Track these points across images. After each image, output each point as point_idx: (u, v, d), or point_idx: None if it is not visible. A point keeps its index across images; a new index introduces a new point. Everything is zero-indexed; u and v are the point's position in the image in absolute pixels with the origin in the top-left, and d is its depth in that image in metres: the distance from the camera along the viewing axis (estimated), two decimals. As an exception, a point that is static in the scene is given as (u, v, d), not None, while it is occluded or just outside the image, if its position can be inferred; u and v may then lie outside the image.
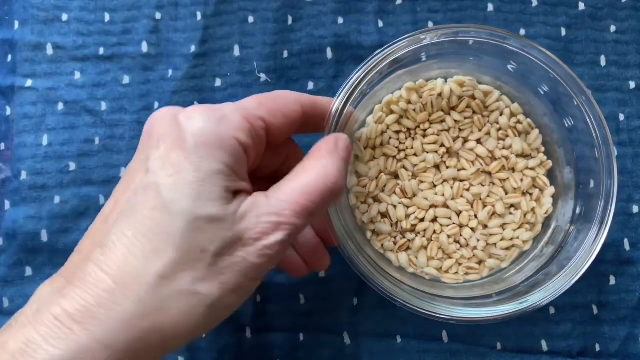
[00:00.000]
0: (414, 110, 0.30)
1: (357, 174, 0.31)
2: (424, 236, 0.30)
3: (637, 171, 0.32)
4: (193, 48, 0.33)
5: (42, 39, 0.33)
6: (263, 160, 0.25)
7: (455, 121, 0.31)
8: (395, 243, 0.30)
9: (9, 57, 0.33)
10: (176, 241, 0.20)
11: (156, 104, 0.33)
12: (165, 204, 0.20)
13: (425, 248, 0.30)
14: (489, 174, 0.31)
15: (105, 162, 0.32)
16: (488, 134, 0.31)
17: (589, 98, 0.28)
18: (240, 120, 0.22)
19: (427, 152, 0.30)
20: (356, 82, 0.27)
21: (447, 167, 0.30)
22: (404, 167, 0.30)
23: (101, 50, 0.33)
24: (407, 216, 0.30)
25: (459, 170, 0.30)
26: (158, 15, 0.33)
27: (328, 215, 0.27)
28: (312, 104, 0.26)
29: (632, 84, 0.33)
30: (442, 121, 0.31)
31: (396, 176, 0.30)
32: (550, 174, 0.31)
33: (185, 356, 0.30)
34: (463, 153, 0.30)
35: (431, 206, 0.30)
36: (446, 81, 0.31)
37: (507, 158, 0.30)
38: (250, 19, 0.33)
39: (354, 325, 0.31)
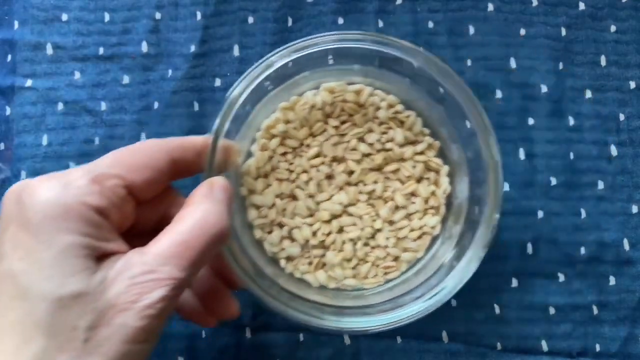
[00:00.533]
0: (294, 128, 0.30)
1: (255, 207, 0.30)
2: (334, 249, 0.30)
3: (637, 171, 0.32)
4: (193, 48, 0.33)
5: (41, 39, 0.33)
6: (139, 216, 0.24)
7: (335, 127, 0.30)
8: (310, 263, 0.30)
9: (9, 57, 0.33)
10: (43, 326, 0.19)
11: (156, 104, 0.33)
12: (23, 291, 0.19)
13: (341, 260, 0.30)
14: (380, 170, 0.30)
15: (105, 162, 0.32)
16: (371, 130, 0.30)
17: (448, 72, 0.28)
18: (87, 184, 0.21)
19: (316, 166, 0.30)
20: (223, 117, 0.26)
21: (337, 174, 0.30)
22: (298, 186, 0.30)
23: (101, 50, 0.33)
24: (314, 233, 0.30)
25: (348, 173, 0.30)
26: (158, 15, 0.33)
27: (226, 259, 0.26)
28: (182, 148, 0.24)
29: (632, 84, 0.33)
30: (324, 131, 0.30)
31: (294, 197, 0.30)
32: (441, 154, 0.31)
33: (185, 356, 0.30)
34: (348, 155, 0.30)
35: (333, 217, 0.30)
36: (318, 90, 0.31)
37: (390, 150, 0.30)
38: (250, 19, 0.33)
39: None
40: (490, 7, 0.34)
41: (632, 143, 0.33)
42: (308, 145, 0.30)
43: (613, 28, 0.34)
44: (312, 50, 0.28)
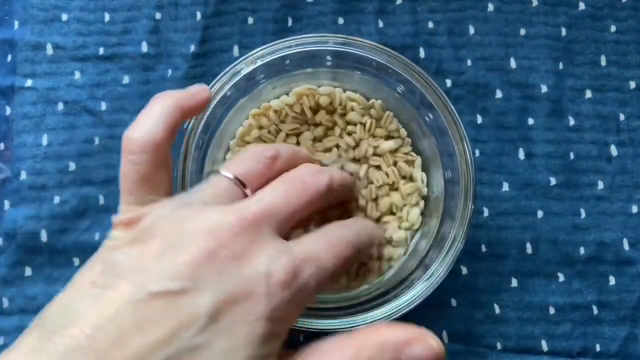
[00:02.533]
0: (269, 132, 0.30)
1: None
2: None
3: (637, 171, 0.32)
4: (193, 48, 0.33)
5: (41, 39, 0.33)
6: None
7: (311, 127, 0.30)
8: None
9: (9, 57, 0.33)
10: None
11: (156, 104, 0.33)
12: None
13: None
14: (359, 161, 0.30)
15: (105, 162, 0.32)
16: (348, 132, 0.30)
17: (407, 64, 0.28)
18: None
19: None
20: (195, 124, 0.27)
21: None
22: None
23: (101, 50, 0.33)
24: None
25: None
26: (158, 15, 0.33)
27: None
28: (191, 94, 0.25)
29: (633, 84, 0.33)
30: (299, 134, 0.30)
31: None
32: (414, 150, 0.31)
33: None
34: (323, 157, 0.30)
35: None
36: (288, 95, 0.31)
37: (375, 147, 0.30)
38: (250, 19, 0.33)
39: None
40: (490, 7, 0.34)
41: (632, 143, 0.33)
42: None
43: (613, 28, 0.34)
44: (277, 56, 0.28)
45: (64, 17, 0.33)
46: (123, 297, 0.17)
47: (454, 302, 0.31)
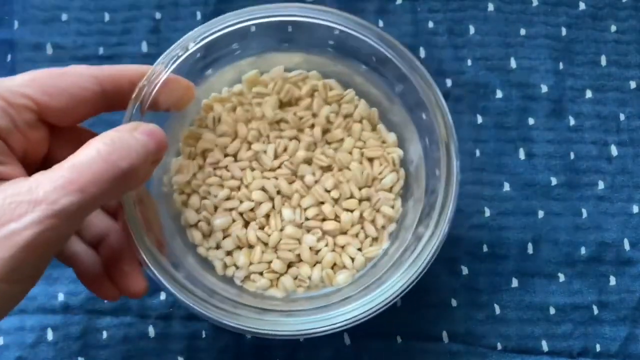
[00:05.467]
0: (220, 136, 0.28)
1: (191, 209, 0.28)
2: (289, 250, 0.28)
3: (637, 171, 0.32)
4: (193, 48, 0.33)
5: (41, 39, 0.33)
6: (53, 149, 0.22)
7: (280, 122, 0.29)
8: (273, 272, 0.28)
9: (9, 57, 0.33)
10: None
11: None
12: None
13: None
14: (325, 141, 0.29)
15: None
16: (310, 125, 0.29)
17: (372, 29, 0.26)
18: None
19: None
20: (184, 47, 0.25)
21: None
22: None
23: (101, 50, 0.33)
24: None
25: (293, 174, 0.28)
26: (158, 15, 0.33)
27: (126, 223, 0.23)
28: (116, 77, 0.22)
29: (633, 84, 0.33)
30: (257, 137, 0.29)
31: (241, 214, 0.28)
32: (384, 121, 0.30)
33: (184, 356, 0.30)
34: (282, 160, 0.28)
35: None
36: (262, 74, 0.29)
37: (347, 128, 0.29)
38: (250, 19, 0.33)
39: (354, 326, 0.31)
40: (491, 7, 0.34)
41: (633, 143, 0.33)
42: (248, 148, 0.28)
43: (613, 28, 0.34)
44: (224, 32, 0.26)
45: (64, 17, 0.33)
46: None
47: (454, 302, 0.31)
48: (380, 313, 0.31)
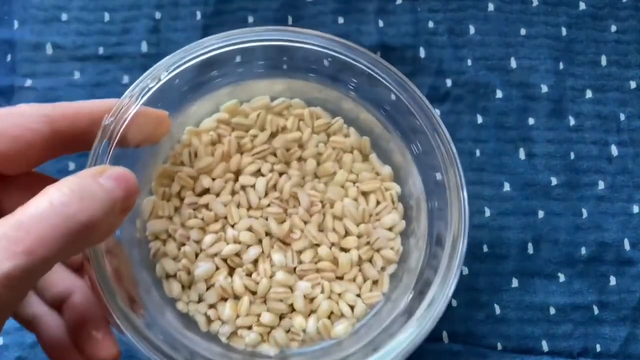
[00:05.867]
0: (194, 177, 0.26)
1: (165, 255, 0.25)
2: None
3: (638, 171, 0.32)
4: (193, 48, 0.33)
5: (41, 39, 0.33)
6: (2, 200, 0.20)
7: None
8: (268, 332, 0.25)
9: (9, 57, 0.33)
10: None
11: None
12: None
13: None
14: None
15: (105, 162, 0.32)
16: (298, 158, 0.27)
17: (360, 51, 0.24)
18: None
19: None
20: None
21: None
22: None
23: (101, 50, 0.33)
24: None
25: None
26: (158, 15, 0.33)
27: (94, 278, 0.21)
28: (72, 114, 0.20)
29: (633, 84, 0.33)
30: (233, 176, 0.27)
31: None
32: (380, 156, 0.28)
33: (185, 356, 0.30)
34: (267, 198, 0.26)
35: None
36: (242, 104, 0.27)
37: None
38: (250, 19, 0.33)
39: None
40: (491, 6, 0.34)
41: (633, 143, 0.33)
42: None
43: (613, 28, 0.34)
44: (201, 59, 0.23)
45: (64, 16, 0.33)
46: None
47: (454, 302, 0.31)
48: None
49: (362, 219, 0.26)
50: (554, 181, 0.32)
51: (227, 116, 0.27)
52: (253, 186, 0.26)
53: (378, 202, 0.27)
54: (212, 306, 0.25)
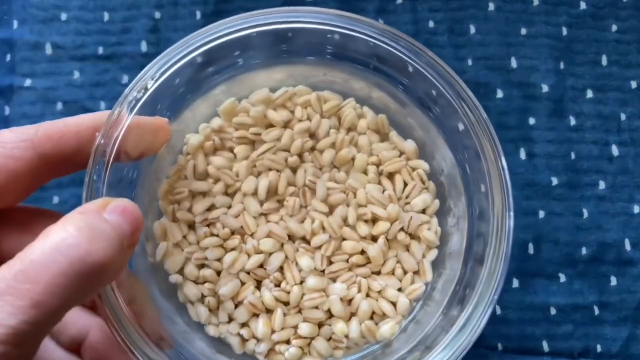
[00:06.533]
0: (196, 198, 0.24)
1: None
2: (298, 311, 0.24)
3: (638, 171, 0.32)
4: (192, 47, 0.33)
5: (41, 38, 0.33)
6: (6, 244, 0.18)
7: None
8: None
9: (8, 57, 0.33)
10: None
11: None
12: None
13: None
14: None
15: (104, 162, 0.32)
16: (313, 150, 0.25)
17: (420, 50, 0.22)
18: None
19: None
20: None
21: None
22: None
23: (100, 50, 0.33)
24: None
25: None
26: (157, 15, 0.33)
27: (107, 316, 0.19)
28: (57, 135, 0.18)
29: (634, 84, 0.33)
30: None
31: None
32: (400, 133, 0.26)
33: (184, 357, 0.30)
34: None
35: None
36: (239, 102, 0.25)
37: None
38: (250, 18, 0.33)
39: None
40: (491, 6, 0.34)
41: (634, 143, 0.33)
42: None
43: (614, 27, 0.34)
44: (186, 60, 0.22)
45: (63, 16, 0.33)
46: None
47: (454, 303, 0.31)
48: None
49: (390, 203, 0.24)
50: (555, 181, 0.32)
51: (226, 121, 0.25)
52: (258, 190, 0.24)
53: (405, 184, 0.25)
54: (244, 325, 0.24)
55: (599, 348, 0.31)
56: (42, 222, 0.17)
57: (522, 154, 0.32)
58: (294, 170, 0.24)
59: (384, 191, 0.24)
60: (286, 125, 0.25)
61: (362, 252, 0.24)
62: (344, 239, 0.24)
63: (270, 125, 0.25)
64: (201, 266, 0.24)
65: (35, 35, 0.33)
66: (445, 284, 0.23)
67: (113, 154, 0.20)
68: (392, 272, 0.24)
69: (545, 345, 0.31)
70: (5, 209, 0.18)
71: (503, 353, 0.31)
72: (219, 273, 0.24)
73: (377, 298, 0.24)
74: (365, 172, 0.25)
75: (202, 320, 0.24)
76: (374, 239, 0.24)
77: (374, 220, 0.24)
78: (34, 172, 0.18)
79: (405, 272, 0.24)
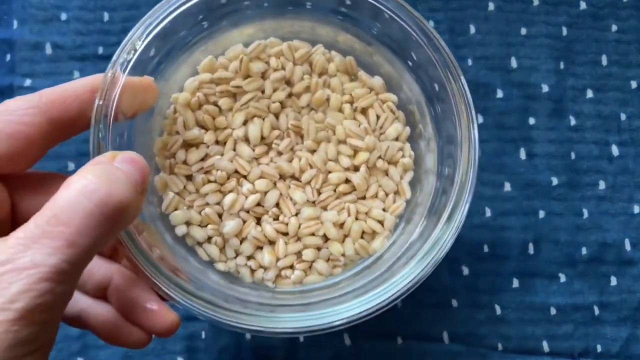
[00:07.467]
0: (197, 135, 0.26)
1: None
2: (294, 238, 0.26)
3: (638, 171, 0.32)
4: (192, 47, 0.33)
5: (41, 38, 0.33)
6: (17, 203, 0.19)
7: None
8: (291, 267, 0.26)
9: (8, 57, 0.33)
10: None
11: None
12: None
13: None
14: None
15: (105, 162, 0.32)
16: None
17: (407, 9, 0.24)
18: None
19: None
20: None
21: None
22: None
23: (100, 50, 0.33)
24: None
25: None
26: (157, 15, 0.33)
27: (129, 251, 0.21)
28: (60, 99, 0.20)
29: (634, 84, 0.33)
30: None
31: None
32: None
33: (184, 356, 0.30)
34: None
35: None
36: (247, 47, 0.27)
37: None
38: (250, 18, 0.33)
39: (354, 326, 0.31)
40: (491, 6, 0.34)
41: (634, 143, 0.33)
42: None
43: (614, 27, 0.34)
44: (169, 19, 0.23)
45: (63, 16, 0.33)
46: None
47: (455, 303, 0.31)
48: (380, 314, 0.31)
49: (366, 135, 0.27)
50: (555, 181, 0.32)
51: (207, 75, 0.27)
52: (249, 136, 0.26)
53: (378, 117, 0.27)
54: (250, 257, 0.26)
55: (599, 348, 0.31)
56: (54, 184, 0.18)
57: (522, 154, 0.32)
58: (277, 115, 0.27)
59: (359, 125, 0.27)
60: (263, 75, 0.27)
61: (347, 181, 0.27)
62: (329, 172, 0.27)
63: (248, 77, 0.27)
64: (203, 210, 0.26)
65: (35, 35, 0.33)
66: (424, 197, 0.26)
67: (112, 114, 0.22)
68: (376, 195, 0.27)
69: (545, 346, 0.31)
70: (18, 174, 0.20)
71: (503, 353, 0.31)
72: (220, 216, 0.26)
73: (365, 219, 0.27)
74: (341, 110, 0.27)
75: (213, 258, 0.26)
76: (356, 168, 0.27)
77: (355, 152, 0.27)
78: (45, 137, 0.19)
79: (387, 194, 0.27)
